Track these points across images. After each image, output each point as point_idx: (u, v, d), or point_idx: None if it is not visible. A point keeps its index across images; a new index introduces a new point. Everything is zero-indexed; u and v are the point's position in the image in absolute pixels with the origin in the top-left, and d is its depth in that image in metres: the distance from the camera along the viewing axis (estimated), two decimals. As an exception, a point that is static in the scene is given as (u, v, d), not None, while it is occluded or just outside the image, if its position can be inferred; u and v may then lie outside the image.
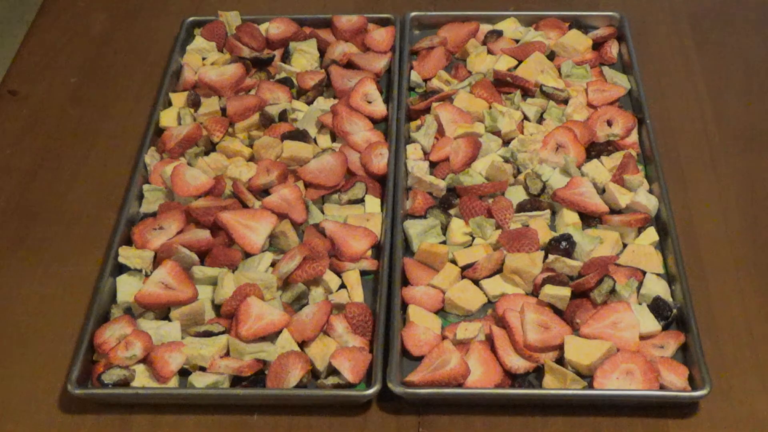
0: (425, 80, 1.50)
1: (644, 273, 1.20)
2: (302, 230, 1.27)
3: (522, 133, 1.38)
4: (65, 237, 1.32)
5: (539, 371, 1.11)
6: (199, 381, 1.10)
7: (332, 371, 1.11)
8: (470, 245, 1.25)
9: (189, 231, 1.24)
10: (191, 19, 1.60)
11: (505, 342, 1.12)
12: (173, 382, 1.12)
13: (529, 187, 1.29)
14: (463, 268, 1.21)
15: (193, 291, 1.17)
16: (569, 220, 1.25)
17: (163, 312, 1.18)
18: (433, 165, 1.35)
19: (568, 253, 1.20)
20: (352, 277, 1.22)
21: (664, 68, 1.55)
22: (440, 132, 1.38)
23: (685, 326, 1.14)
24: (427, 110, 1.42)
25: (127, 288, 1.20)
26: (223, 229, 1.23)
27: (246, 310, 1.14)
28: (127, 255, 1.22)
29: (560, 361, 1.11)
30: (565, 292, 1.15)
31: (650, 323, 1.14)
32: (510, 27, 1.57)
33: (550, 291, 1.16)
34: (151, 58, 1.60)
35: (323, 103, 1.44)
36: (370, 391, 1.07)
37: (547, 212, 1.27)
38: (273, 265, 1.21)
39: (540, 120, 1.41)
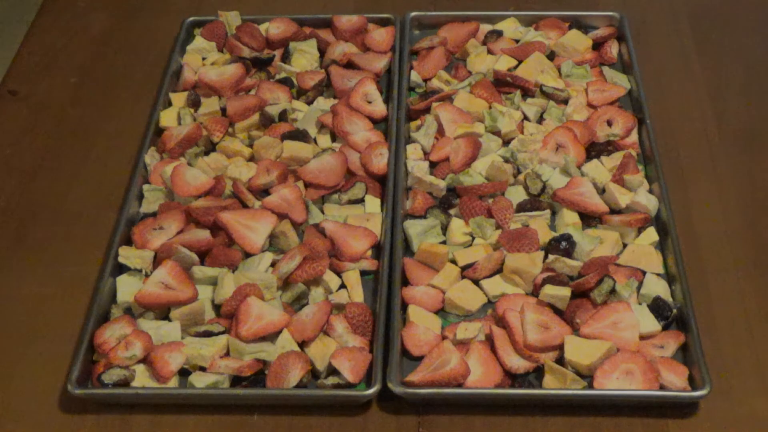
0: (425, 80, 1.50)
1: (644, 273, 1.20)
2: (302, 230, 1.27)
3: (522, 133, 1.38)
4: (65, 237, 1.32)
5: (539, 371, 1.11)
6: (199, 381, 1.10)
7: (332, 371, 1.11)
8: (470, 245, 1.25)
9: (189, 231, 1.24)
10: (191, 19, 1.60)
11: (505, 342, 1.12)
12: (173, 382, 1.12)
13: (529, 187, 1.29)
14: (463, 268, 1.21)
15: (193, 291, 1.17)
16: (569, 220, 1.25)
17: (163, 312, 1.18)
18: (433, 165, 1.35)
19: (568, 253, 1.20)
20: (352, 277, 1.21)
21: (664, 68, 1.55)
22: (440, 132, 1.38)
23: (685, 326, 1.14)
24: (427, 110, 1.42)
25: (127, 288, 1.20)
26: (223, 229, 1.23)
27: (246, 310, 1.14)
28: (127, 255, 1.22)
29: (560, 361, 1.11)
30: (565, 292, 1.15)
31: (650, 323, 1.14)
32: (510, 27, 1.57)
33: (550, 291, 1.16)
34: (151, 58, 1.60)
35: (323, 103, 1.44)
36: (370, 391, 1.07)
37: (547, 212, 1.27)
38: (273, 265, 1.21)
39: (540, 120, 1.41)
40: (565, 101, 1.42)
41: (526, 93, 1.45)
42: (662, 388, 1.08)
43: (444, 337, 1.15)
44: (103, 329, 1.14)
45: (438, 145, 1.37)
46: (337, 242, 1.23)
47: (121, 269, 1.23)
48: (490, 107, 1.41)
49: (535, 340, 1.11)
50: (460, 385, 1.09)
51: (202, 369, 1.12)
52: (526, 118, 1.41)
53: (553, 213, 1.29)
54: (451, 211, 1.29)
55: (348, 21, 1.57)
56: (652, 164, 1.32)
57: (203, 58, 1.55)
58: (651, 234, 1.24)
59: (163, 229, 1.25)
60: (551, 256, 1.20)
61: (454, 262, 1.23)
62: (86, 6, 1.74)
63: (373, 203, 1.31)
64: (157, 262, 1.22)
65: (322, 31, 1.57)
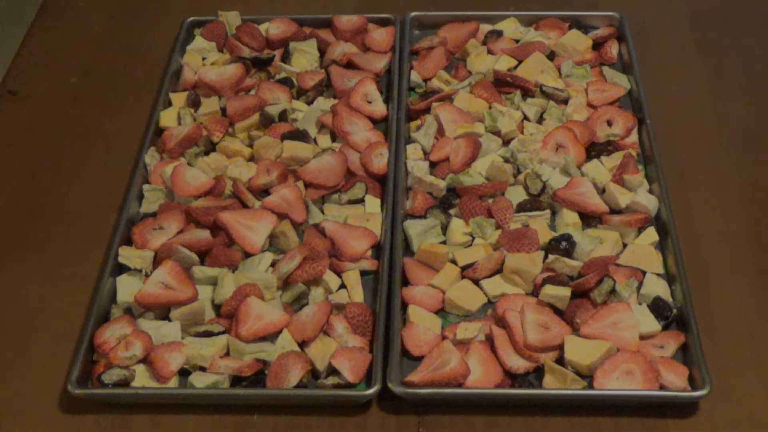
0: (425, 80, 1.50)
1: (644, 273, 1.20)
2: (302, 230, 1.27)
3: (522, 133, 1.38)
4: (65, 237, 1.32)
5: (539, 371, 1.11)
6: (199, 381, 1.10)
7: (332, 371, 1.11)
8: (470, 245, 1.25)
9: (189, 231, 1.24)
10: (191, 19, 1.60)
11: (505, 342, 1.12)
12: (173, 382, 1.12)
13: (529, 187, 1.29)
14: (463, 268, 1.21)
15: (193, 291, 1.17)
16: (569, 220, 1.25)
17: (163, 312, 1.18)
18: (433, 165, 1.35)
19: (568, 253, 1.20)
20: (352, 277, 1.21)
21: (664, 68, 1.55)
22: (440, 132, 1.38)
23: (685, 326, 1.14)
24: (427, 110, 1.42)
25: (127, 288, 1.20)
26: (223, 229, 1.23)
27: (246, 310, 1.14)
28: (127, 255, 1.22)
29: (560, 361, 1.11)
30: (565, 292, 1.15)
31: (650, 323, 1.14)
32: (510, 27, 1.57)
33: (550, 291, 1.16)
34: (151, 58, 1.60)
35: (323, 103, 1.44)
36: (370, 391, 1.07)
37: (547, 212, 1.27)
38: (273, 265, 1.21)
39: (540, 120, 1.41)
40: (565, 101, 1.42)
41: (526, 93, 1.44)
42: (662, 388, 1.08)
43: (444, 337, 1.15)
44: (103, 329, 1.14)
45: (438, 145, 1.37)
46: (337, 242, 1.23)
47: (121, 269, 1.23)
48: (490, 107, 1.41)
49: (535, 340, 1.11)
50: (460, 385, 1.09)
51: (202, 369, 1.12)
52: (526, 118, 1.41)
53: (553, 213, 1.29)
54: (451, 211, 1.29)
55: (348, 21, 1.57)
56: (652, 164, 1.32)
57: (203, 58, 1.55)
58: (651, 234, 1.24)
59: (163, 229, 1.25)
60: (551, 256, 1.20)
61: (454, 262, 1.23)
62: (86, 6, 1.74)
63: (373, 203, 1.31)
64: (157, 262, 1.22)
65: (322, 31, 1.57)
